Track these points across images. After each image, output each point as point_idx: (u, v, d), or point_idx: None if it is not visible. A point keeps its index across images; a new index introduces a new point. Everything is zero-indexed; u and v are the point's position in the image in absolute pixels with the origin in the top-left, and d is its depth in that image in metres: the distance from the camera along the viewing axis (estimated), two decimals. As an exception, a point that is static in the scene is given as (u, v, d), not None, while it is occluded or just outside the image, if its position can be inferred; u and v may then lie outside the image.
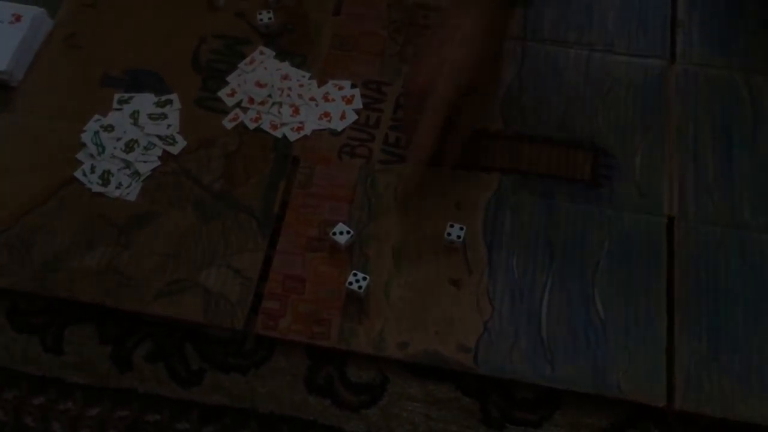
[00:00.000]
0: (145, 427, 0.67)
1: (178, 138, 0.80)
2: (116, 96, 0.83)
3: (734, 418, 0.66)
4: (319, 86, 0.83)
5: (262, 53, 0.85)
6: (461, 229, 0.73)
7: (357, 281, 0.71)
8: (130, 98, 0.82)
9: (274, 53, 0.85)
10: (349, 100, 0.83)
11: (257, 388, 0.69)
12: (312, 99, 0.82)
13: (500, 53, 0.78)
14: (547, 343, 0.69)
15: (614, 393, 0.67)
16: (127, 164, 0.79)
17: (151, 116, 0.81)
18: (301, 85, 0.83)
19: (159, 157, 0.79)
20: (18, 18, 0.87)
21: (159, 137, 0.80)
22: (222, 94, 0.83)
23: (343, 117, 0.82)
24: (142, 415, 0.68)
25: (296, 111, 0.82)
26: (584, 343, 0.69)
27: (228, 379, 0.69)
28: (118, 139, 0.80)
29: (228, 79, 0.84)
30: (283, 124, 0.81)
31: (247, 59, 0.85)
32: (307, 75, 0.84)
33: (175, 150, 0.80)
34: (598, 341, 0.69)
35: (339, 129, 0.81)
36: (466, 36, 0.71)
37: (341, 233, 0.73)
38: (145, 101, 0.82)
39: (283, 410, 0.68)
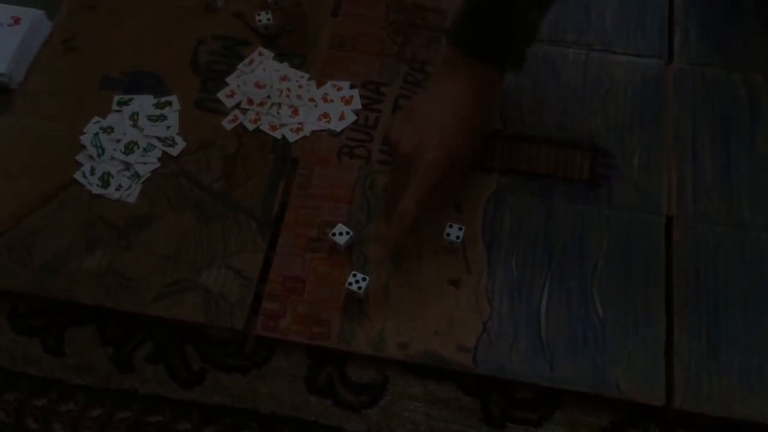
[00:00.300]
0: (146, 428, 0.67)
1: (178, 139, 0.80)
2: (115, 98, 0.83)
3: (734, 417, 0.66)
4: (318, 87, 0.83)
5: (261, 54, 0.85)
6: (460, 229, 0.73)
7: (356, 282, 0.71)
8: (130, 100, 0.82)
9: (273, 54, 0.85)
10: (348, 101, 0.82)
11: (258, 389, 0.69)
12: (311, 100, 0.82)
13: (488, 119, 0.78)
14: (546, 343, 0.69)
15: (613, 393, 0.67)
16: (127, 166, 0.79)
17: (150, 118, 0.81)
18: (300, 86, 0.83)
19: (158, 159, 0.79)
20: (17, 20, 0.87)
21: (158, 139, 0.80)
22: (221, 95, 0.83)
23: (342, 118, 0.82)
24: (143, 416, 0.68)
25: (295, 112, 0.82)
26: (583, 343, 0.69)
27: (229, 379, 0.69)
28: (118, 141, 0.80)
29: (227, 80, 0.84)
30: (282, 125, 0.81)
31: (246, 60, 0.85)
32: (306, 76, 0.84)
33: (174, 151, 0.80)
34: (597, 341, 0.69)
35: (338, 130, 0.81)
36: (457, 102, 0.71)
37: (340, 234, 0.73)
38: (144, 103, 0.82)
39: (284, 410, 0.68)
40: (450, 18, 0.71)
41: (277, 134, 0.81)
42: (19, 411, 0.68)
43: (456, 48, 0.72)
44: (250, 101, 0.82)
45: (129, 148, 0.79)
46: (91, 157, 0.79)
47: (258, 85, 0.83)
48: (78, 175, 0.78)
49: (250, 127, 0.81)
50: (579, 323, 0.70)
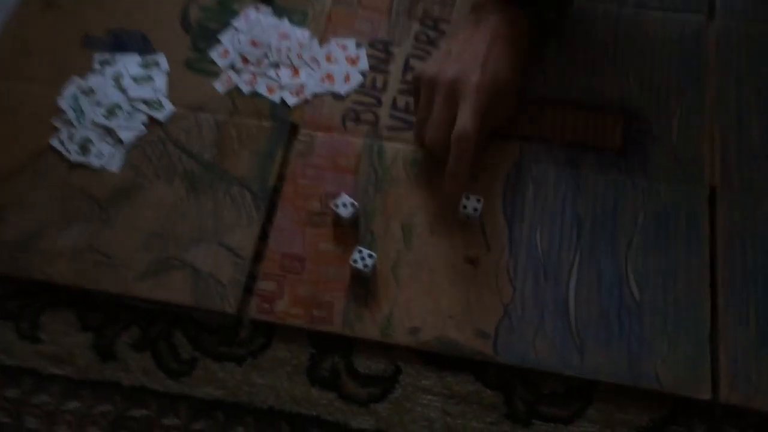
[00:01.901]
0: (129, 424, 0.64)
1: (165, 103, 0.77)
2: (96, 56, 0.80)
3: (789, 412, 0.62)
4: (320, 46, 0.80)
5: (257, 10, 0.82)
6: (478, 201, 0.70)
7: (362, 259, 0.67)
8: (112, 59, 0.79)
9: (270, 10, 0.83)
10: (353, 61, 0.79)
11: (254, 380, 0.66)
12: (313, 60, 0.79)
13: (519, 78, 0.74)
14: (576, 328, 0.66)
15: (652, 384, 0.63)
16: (109, 131, 0.75)
17: (135, 79, 0.78)
18: (300, 45, 0.80)
19: (144, 124, 0.76)
20: (-10, -26, 0.83)
21: (144, 102, 0.77)
22: (214, 54, 0.80)
23: (347, 79, 0.79)
24: (126, 410, 0.65)
25: (296, 73, 0.79)
26: (617, 329, 0.65)
27: (222, 369, 0.66)
28: (99, 104, 0.77)
29: (220, 38, 0.81)
30: (281, 88, 0.78)
31: (242, 17, 0.82)
32: (308, 33, 0.81)
33: (161, 116, 0.76)
34: (632, 326, 0.65)
35: (343, 93, 0.78)
36: (494, 38, 0.70)
37: (344, 205, 0.70)
38: (128, 62, 0.79)
39: (282, 405, 0.64)
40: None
41: (275, 97, 0.78)
42: (-11, 403, 0.65)
43: None
44: (246, 61, 0.79)
45: (111, 111, 0.76)
46: (69, 121, 0.76)
47: (254, 44, 0.80)
48: (54, 142, 0.75)
49: (246, 89, 0.78)
50: (612, 306, 0.66)
